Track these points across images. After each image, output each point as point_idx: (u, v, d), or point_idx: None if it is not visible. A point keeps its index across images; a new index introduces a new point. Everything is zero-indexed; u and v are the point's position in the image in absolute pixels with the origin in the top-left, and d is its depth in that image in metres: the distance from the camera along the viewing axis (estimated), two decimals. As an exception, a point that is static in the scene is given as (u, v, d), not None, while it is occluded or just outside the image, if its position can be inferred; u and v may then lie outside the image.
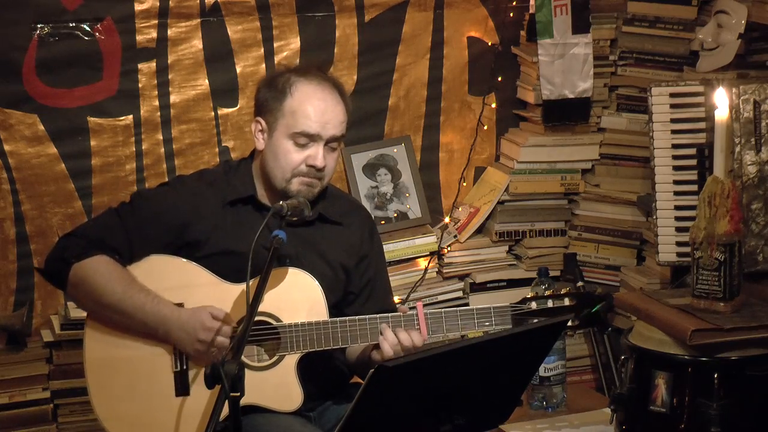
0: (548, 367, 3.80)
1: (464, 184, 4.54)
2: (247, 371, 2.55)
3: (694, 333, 3.15)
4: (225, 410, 2.47)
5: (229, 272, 3.03)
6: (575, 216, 4.50)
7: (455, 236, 4.44)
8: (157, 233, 3.08)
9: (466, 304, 4.29)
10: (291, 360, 3.01)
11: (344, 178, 4.37)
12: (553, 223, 4.49)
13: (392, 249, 4.26)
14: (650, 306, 3.38)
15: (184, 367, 3.01)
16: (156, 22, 4.09)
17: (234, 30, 4.20)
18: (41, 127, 4.03)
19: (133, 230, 3.07)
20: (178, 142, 4.19)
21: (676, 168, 3.78)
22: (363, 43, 4.35)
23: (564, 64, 4.33)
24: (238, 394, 2.47)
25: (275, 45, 4.25)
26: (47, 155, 4.05)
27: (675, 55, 4.37)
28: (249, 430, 2.86)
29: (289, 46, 4.26)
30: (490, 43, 4.50)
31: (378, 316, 3.04)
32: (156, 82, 4.13)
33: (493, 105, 4.54)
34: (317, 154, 3.06)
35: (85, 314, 3.11)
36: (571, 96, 4.36)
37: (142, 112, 4.14)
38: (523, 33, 4.48)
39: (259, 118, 3.13)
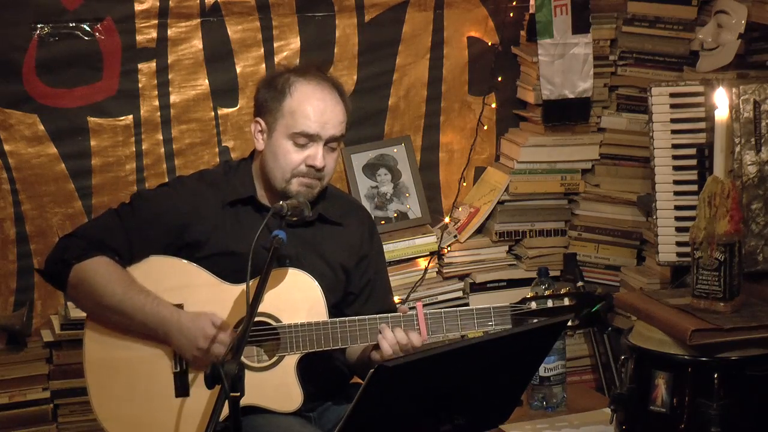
0: (548, 367, 3.79)
1: (464, 184, 4.54)
2: (246, 372, 2.55)
3: (694, 333, 3.14)
4: (225, 410, 2.47)
5: (229, 273, 3.03)
6: (575, 216, 4.50)
7: (455, 236, 4.44)
8: (157, 234, 3.08)
9: (466, 304, 4.29)
10: (291, 360, 3.00)
11: (344, 178, 4.37)
12: (553, 223, 4.49)
13: (392, 249, 4.26)
14: (650, 306, 3.38)
15: (184, 368, 3.01)
16: (156, 22, 4.09)
17: (234, 30, 4.20)
18: (41, 127, 4.03)
19: (133, 231, 3.07)
20: (178, 142, 4.19)
21: (676, 168, 3.77)
22: (363, 43, 4.35)
23: (564, 64, 4.33)
24: (238, 394, 2.47)
25: (275, 45, 4.25)
26: (47, 155, 4.05)
27: (675, 55, 4.37)
28: (249, 430, 2.86)
29: (289, 46, 4.26)
30: (490, 43, 4.50)
31: (378, 316, 3.04)
32: (156, 82, 4.13)
33: (493, 105, 4.54)
34: (317, 154, 3.06)
35: (84, 314, 3.11)
36: (571, 96, 4.36)
37: (142, 112, 4.14)
38: (523, 33, 4.49)
39: (259, 119, 3.13)
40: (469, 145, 4.53)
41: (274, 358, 3.01)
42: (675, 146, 3.77)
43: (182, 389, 3.01)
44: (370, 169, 4.41)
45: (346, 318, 3.04)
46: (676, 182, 3.78)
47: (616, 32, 4.41)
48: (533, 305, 3.11)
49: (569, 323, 3.10)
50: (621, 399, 3.30)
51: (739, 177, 3.52)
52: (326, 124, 3.07)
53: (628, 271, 4.39)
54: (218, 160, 4.20)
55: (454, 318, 3.07)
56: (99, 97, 4.08)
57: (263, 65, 4.23)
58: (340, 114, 3.10)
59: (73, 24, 4.01)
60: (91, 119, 4.08)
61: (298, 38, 4.27)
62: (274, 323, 3.01)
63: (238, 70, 4.22)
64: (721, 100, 3.31)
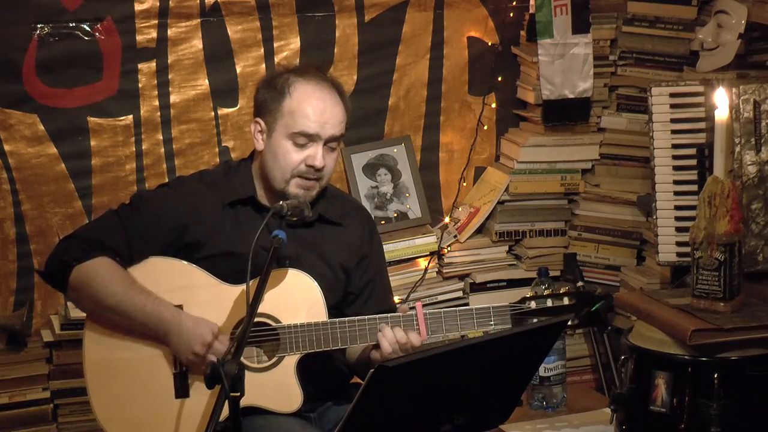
0: (548, 367, 3.80)
1: (464, 184, 4.54)
2: (246, 372, 2.55)
3: (694, 333, 3.14)
4: (225, 411, 2.47)
5: (229, 273, 3.03)
6: (575, 216, 4.50)
7: (455, 236, 4.44)
8: (157, 235, 3.07)
9: (466, 304, 4.29)
10: (290, 361, 3.00)
11: (344, 178, 4.37)
12: (553, 223, 4.49)
13: (392, 249, 4.26)
14: (650, 306, 3.38)
15: (184, 369, 3.01)
16: (156, 22, 4.09)
17: (234, 30, 4.20)
18: (41, 127, 4.03)
19: (133, 232, 3.07)
20: (178, 142, 4.19)
21: (676, 168, 3.77)
22: (363, 43, 4.35)
23: (564, 64, 4.33)
24: (238, 394, 2.47)
25: (275, 45, 4.25)
26: (47, 155, 4.05)
27: (675, 55, 4.37)
28: (249, 431, 2.86)
29: (289, 46, 4.26)
30: (490, 43, 4.50)
31: (377, 316, 3.04)
32: (156, 82, 4.13)
33: (493, 105, 4.54)
34: (316, 154, 3.06)
35: (84, 315, 3.11)
36: (571, 96, 4.36)
37: (142, 112, 4.14)
38: (523, 33, 4.49)
39: (258, 119, 3.13)
40: (469, 145, 4.53)
41: (274, 359, 3.01)
42: (675, 146, 3.77)
43: (182, 390, 3.01)
44: (370, 169, 4.41)
45: (346, 318, 3.04)
46: (676, 182, 3.78)
47: (616, 32, 4.41)
48: (533, 305, 3.11)
49: (569, 322, 3.10)
50: (621, 399, 3.30)
51: (739, 177, 3.52)
52: (326, 123, 3.07)
53: (628, 271, 4.39)
54: (218, 160, 4.20)
55: (453, 318, 3.07)
56: (99, 97, 4.08)
57: (263, 65, 4.23)
58: (339, 114, 3.11)
59: (73, 24, 4.01)
60: (91, 119, 4.08)
61: (298, 38, 4.27)
62: (273, 324, 3.01)
63: (238, 70, 4.22)
64: (721, 100, 3.31)
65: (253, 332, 2.95)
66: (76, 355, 3.79)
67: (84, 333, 3.06)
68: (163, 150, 4.17)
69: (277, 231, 2.88)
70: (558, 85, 4.34)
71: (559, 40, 4.32)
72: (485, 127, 4.55)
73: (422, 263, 4.38)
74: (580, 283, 3.24)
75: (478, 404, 2.65)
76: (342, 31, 4.32)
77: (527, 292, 3.20)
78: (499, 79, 4.52)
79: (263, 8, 4.21)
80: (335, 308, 3.12)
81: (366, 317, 3.03)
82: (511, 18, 4.48)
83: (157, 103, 4.14)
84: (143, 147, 4.15)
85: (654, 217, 3.81)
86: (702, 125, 3.72)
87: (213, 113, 4.22)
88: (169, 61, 4.13)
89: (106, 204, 3.98)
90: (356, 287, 3.21)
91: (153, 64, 4.12)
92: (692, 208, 3.43)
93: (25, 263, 4.06)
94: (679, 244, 3.75)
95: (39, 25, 3.97)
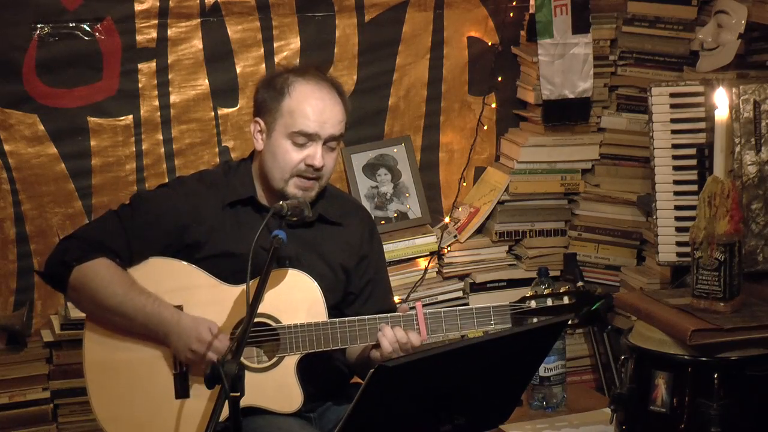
0: (548, 367, 3.80)
1: (464, 184, 4.54)
2: (246, 373, 2.55)
3: (694, 333, 3.14)
4: (225, 411, 2.47)
5: (229, 274, 3.03)
6: (575, 216, 4.50)
7: (455, 236, 4.44)
8: (157, 235, 3.07)
9: (466, 304, 4.29)
10: (291, 361, 3.00)
11: (344, 178, 4.37)
12: (553, 223, 4.49)
13: (392, 249, 4.26)
14: (650, 306, 3.38)
15: (184, 369, 3.01)
16: (156, 22, 4.09)
17: (234, 30, 4.20)
18: (41, 127, 4.03)
19: (133, 232, 3.07)
20: (178, 142, 4.19)
21: (676, 168, 3.77)
22: (363, 43, 4.35)
23: (564, 64, 4.33)
24: (238, 394, 2.47)
25: (275, 45, 4.25)
26: (47, 155, 4.05)
27: (675, 55, 4.37)
28: (249, 431, 2.86)
29: (289, 46, 4.26)
30: (490, 43, 4.50)
31: (377, 316, 3.04)
32: (156, 82, 4.13)
33: (493, 105, 4.54)
34: (316, 153, 3.06)
35: (84, 315, 3.11)
36: (571, 96, 4.36)
37: (142, 112, 4.14)
38: (523, 33, 4.49)
39: (258, 119, 3.13)
40: (469, 145, 4.53)
41: (274, 359, 3.01)
42: (675, 146, 3.77)
43: (182, 390, 3.01)
44: (370, 169, 4.41)
45: (346, 318, 3.04)
46: (676, 182, 3.78)
47: (616, 32, 4.41)
48: (533, 304, 3.11)
49: (569, 322, 3.10)
50: (621, 399, 3.30)
51: (739, 177, 3.52)
52: (325, 123, 3.07)
53: (628, 271, 4.39)
54: (218, 160, 4.20)
55: (453, 317, 3.07)
56: (99, 97, 4.08)
57: (263, 65, 4.23)
58: (338, 113, 3.11)
59: (73, 24, 4.01)
60: (91, 119, 4.08)
61: (298, 38, 4.27)
62: (273, 324, 3.01)
63: (238, 70, 4.22)
64: (721, 100, 3.31)
65: (253, 332, 2.95)
66: (76, 355, 3.79)
67: (84, 333, 3.06)
68: (163, 150, 4.17)
69: (277, 231, 2.88)
70: (558, 85, 4.34)
71: (559, 40, 4.32)
72: (485, 127, 4.55)
73: (422, 263, 4.38)
74: (580, 283, 3.24)
75: (478, 404, 2.65)
76: (342, 31, 4.32)
77: (527, 292, 3.20)
78: (499, 79, 4.52)
79: (263, 8, 4.20)
80: (335, 308, 3.12)
81: (366, 317, 3.03)
82: (511, 18, 4.48)
83: (157, 103, 4.14)
84: (143, 147, 4.15)
85: (654, 217, 3.81)
86: (702, 125, 3.72)
87: (213, 113, 4.22)
88: (169, 61, 4.13)
89: (106, 204, 3.98)
90: (356, 287, 3.21)
91: (153, 64, 4.12)
92: (692, 208, 3.43)
93: (25, 263, 4.06)
94: (679, 244, 3.75)
95: (39, 25, 3.97)
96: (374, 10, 4.34)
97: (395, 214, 4.41)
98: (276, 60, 4.23)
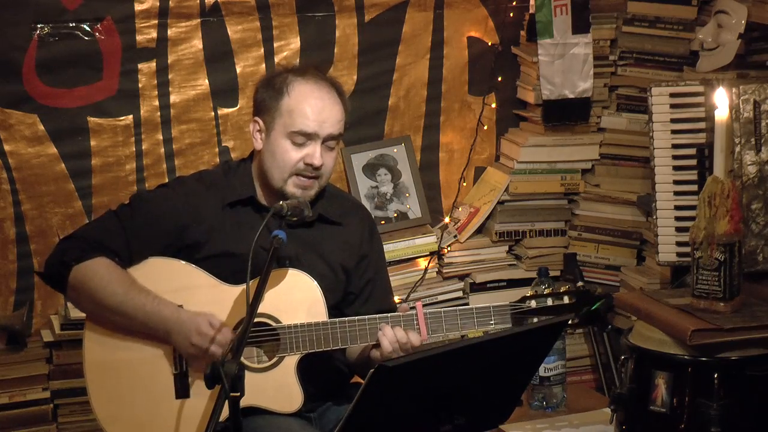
0: (548, 367, 3.80)
1: (464, 184, 4.54)
2: (247, 373, 2.55)
3: (694, 333, 3.14)
4: (225, 411, 2.47)
5: (229, 274, 3.03)
6: (575, 216, 4.50)
7: (455, 236, 4.44)
8: (156, 235, 3.07)
9: (466, 304, 4.28)
10: (291, 361, 3.00)
11: (344, 178, 4.37)
12: (553, 223, 4.49)
13: (392, 249, 4.26)
14: (650, 306, 3.38)
15: (184, 369, 3.01)
16: (156, 22, 4.09)
17: (234, 30, 4.20)
18: (41, 127, 4.03)
19: (132, 232, 3.07)
20: (178, 142, 4.19)
21: (676, 168, 3.77)
22: (363, 43, 4.35)
23: (564, 64, 4.33)
24: (238, 394, 2.47)
25: (275, 45, 4.25)
26: (47, 155, 4.05)
27: (675, 55, 4.37)
28: (249, 431, 2.86)
29: (289, 46, 4.26)
30: (490, 43, 4.50)
31: (378, 316, 3.04)
32: (156, 82, 4.13)
33: (493, 105, 4.54)
34: (315, 152, 3.06)
35: (84, 315, 3.11)
36: (571, 96, 4.36)
37: (142, 112, 4.14)
38: (523, 33, 4.49)
39: (257, 118, 3.14)
40: (469, 145, 4.53)
41: (274, 359, 3.01)
42: (675, 146, 3.77)
43: (182, 390, 3.01)
44: (370, 169, 4.41)
45: (346, 318, 3.04)
46: (676, 182, 3.77)
47: (616, 32, 4.41)
48: (533, 304, 3.11)
49: (569, 321, 3.10)
50: (621, 399, 3.30)
51: (739, 177, 3.52)
52: (324, 122, 3.07)
53: (628, 271, 4.39)
54: (218, 160, 4.20)
55: (454, 317, 3.07)
56: (99, 97, 4.08)
57: (263, 65, 4.23)
58: (338, 113, 3.11)
59: (73, 24, 4.01)
60: (91, 119, 4.08)
61: (298, 38, 4.27)
62: (273, 324, 3.01)
63: (238, 70, 4.22)
64: (721, 100, 3.31)
65: (254, 332, 2.95)
66: (76, 355, 3.79)
67: (84, 333, 3.06)
68: (163, 150, 4.17)
69: (277, 231, 2.88)
70: (558, 85, 4.34)
71: (559, 40, 4.32)
72: (485, 127, 4.55)
73: (422, 263, 4.38)
74: (580, 283, 3.24)
75: (478, 404, 2.65)
76: (342, 31, 4.32)
77: (527, 292, 3.20)
78: (499, 79, 4.52)
79: (263, 8, 4.20)
80: (335, 308, 3.12)
81: (366, 317, 3.03)
82: (511, 18, 4.48)
83: (157, 103, 4.14)
84: (143, 147, 4.15)
85: (654, 217, 3.81)
86: (702, 125, 3.71)
87: (213, 113, 4.22)
88: (169, 61, 4.13)
89: (106, 204, 3.98)
90: (356, 287, 3.21)
91: (153, 64, 4.12)
92: (692, 208, 3.43)
93: (25, 263, 4.06)
94: (679, 244, 3.74)
95: (39, 25, 3.97)
96: (374, 10, 4.34)
97: (395, 214, 4.41)
98: (276, 60, 4.23)
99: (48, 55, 3.99)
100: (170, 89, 4.15)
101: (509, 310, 3.09)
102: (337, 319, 3.03)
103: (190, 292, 3.02)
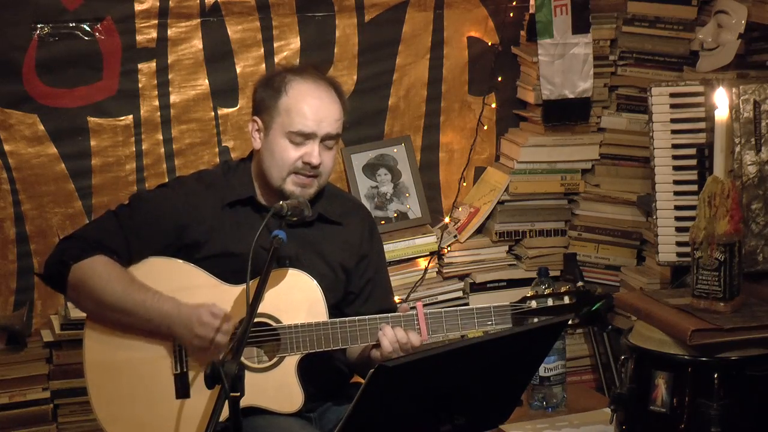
0: (548, 367, 3.80)
1: (464, 184, 4.54)
2: (247, 373, 2.55)
3: (694, 333, 3.14)
4: (225, 411, 2.47)
5: (229, 274, 3.03)
6: (575, 216, 4.50)
7: (455, 236, 4.44)
8: (155, 235, 3.07)
9: (466, 304, 4.29)
10: (291, 361, 3.00)
11: (344, 178, 4.37)
12: (553, 223, 4.49)
13: (392, 249, 4.26)
14: (650, 306, 3.38)
15: (185, 369, 3.01)
16: (156, 22, 4.09)
17: (234, 30, 4.20)
18: (41, 127, 4.03)
19: (131, 232, 3.07)
20: (178, 142, 4.19)
21: (676, 168, 3.77)
22: (363, 43, 4.35)
23: (564, 64, 4.33)
24: (238, 394, 2.47)
25: (275, 45, 4.25)
26: (47, 155, 4.05)
27: (675, 55, 4.37)
28: (249, 431, 2.86)
29: (289, 46, 4.26)
30: (490, 43, 4.50)
31: (378, 316, 3.04)
32: (156, 82, 4.13)
33: (493, 105, 4.54)
34: (313, 151, 3.06)
35: (84, 315, 3.11)
36: (571, 96, 4.36)
37: (142, 112, 4.14)
38: (523, 33, 4.48)
39: (256, 118, 3.14)
40: (469, 145, 4.53)
41: (275, 359, 3.01)
42: (675, 146, 3.77)
43: (183, 390, 3.01)
44: (370, 169, 4.41)
45: (347, 318, 3.04)
46: (676, 182, 3.77)
47: (616, 32, 4.41)
48: (533, 304, 3.11)
49: (569, 321, 3.10)
50: (621, 399, 3.30)
51: (739, 177, 3.52)
52: (322, 122, 3.07)
53: (628, 271, 4.39)
54: (218, 160, 4.20)
55: (454, 317, 3.07)
56: (99, 97, 4.08)
57: (263, 65, 4.23)
58: (335, 112, 3.10)
59: (73, 24, 4.01)
60: (91, 119, 4.08)
61: (298, 38, 4.27)
62: (274, 324, 3.01)
63: (238, 70, 4.22)
64: (721, 100, 3.31)
65: (254, 332, 2.95)
66: (76, 355, 3.78)
67: (84, 333, 3.06)
68: (163, 150, 4.17)
69: (277, 231, 2.88)
70: (558, 85, 4.34)
71: (559, 40, 4.32)
72: (485, 127, 4.55)
73: (422, 263, 4.38)
74: (580, 283, 3.24)
75: (478, 404, 2.65)
76: (342, 31, 4.32)
77: (527, 292, 3.20)
78: (499, 79, 4.52)
79: (263, 8, 4.20)
80: (335, 308, 3.12)
81: (366, 317, 3.03)
82: (511, 18, 4.48)
83: (157, 103, 4.14)
84: (143, 147, 4.15)
85: (654, 217, 3.81)
86: (702, 125, 3.71)
87: (213, 113, 4.22)
88: (169, 61, 4.13)
89: (106, 204, 3.98)
90: (356, 287, 3.21)
91: (153, 64, 4.12)
92: (692, 208, 3.43)
93: (25, 263, 4.06)
94: (679, 244, 3.75)
95: (39, 25, 3.97)
96: (374, 10, 4.34)
97: (395, 214, 4.41)
98: (276, 60, 4.23)
99: (48, 55, 3.99)
100: (170, 89, 4.15)
101: (510, 311, 3.09)
102: (337, 320, 3.03)
103: (190, 292, 3.01)
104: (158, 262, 3.06)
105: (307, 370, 3.02)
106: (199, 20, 4.14)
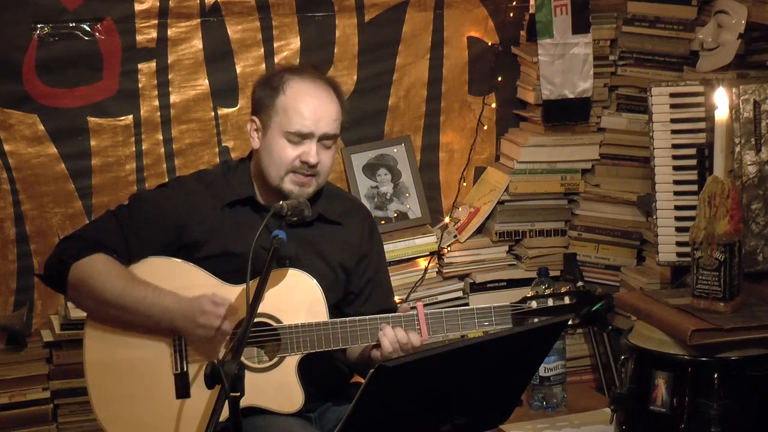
0: (548, 367, 3.80)
1: (464, 184, 4.54)
2: (247, 373, 2.55)
3: (694, 333, 3.14)
4: (225, 411, 2.47)
5: (229, 274, 3.03)
6: (575, 216, 4.50)
7: (455, 236, 4.44)
8: (155, 235, 3.07)
9: (466, 304, 4.29)
10: (291, 361, 3.00)
11: (344, 178, 4.37)
12: (553, 223, 4.49)
13: (392, 249, 4.26)
14: (650, 306, 3.38)
15: (185, 369, 3.01)
16: (156, 22, 4.09)
17: (234, 30, 4.20)
18: (41, 127, 4.03)
19: (131, 232, 3.07)
20: (178, 142, 4.19)
21: (676, 168, 3.77)
22: (363, 43, 4.35)
23: (564, 64, 4.33)
24: (238, 394, 2.47)
25: (275, 45, 4.25)
26: (47, 155, 4.05)
27: (675, 55, 4.37)
28: (250, 431, 2.86)
29: (289, 46, 4.26)
30: (490, 43, 4.50)
31: (378, 316, 3.04)
32: (156, 82, 4.13)
33: (493, 105, 4.54)
34: (310, 150, 3.06)
35: (85, 315, 3.11)
36: (571, 96, 4.36)
37: (142, 112, 4.14)
38: (523, 33, 4.49)
39: (255, 117, 3.14)
40: (469, 145, 4.53)
41: (275, 359, 3.01)
42: (675, 146, 3.77)
43: (183, 390, 3.01)
44: (370, 169, 4.41)
45: (347, 318, 3.03)
46: (676, 182, 3.77)
47: (616, 32, 4.41)
48: (534, 304, 3.11)
49: (570, 321, 3.10)
50: (621, 399, 3.30)
51: (739, 177, 3.53)
52: (320, 121, 3.06)
53: (628, 271, 4.39)
54: (218, 160, 4.20)
55: (454, 318, 3.07)
56: (99, 97, 4.08)
57: (263, 65, 4.23)
58: (333, 112, 3.10)
59: (73, 24, 4.01)
60: (91, 119, 4.08)
61: (298, 38, 4.27)
62: (274, 324, 3.01)
63: (238, 70, 4.22)
64: (721, 100, 3.31)
65: (254, 332, 2.95)
66: (76, 355, 3.79)
67: (84, 333, 3.06)
68: (163, 150, 4.17)
69: (276, 231, 2.88)
70: (558, 85, 4.34)
71: (559, 40, 4.32)
72: (485, 127, 4.55)
73: (422, 263, 4.38)
74: (580, 283, 3.24)
75: (478, 404, 2.65)
76: (342, 31, 4.32)
77: (527, 292, 3.20)
78: (499, 79, 4.52)
79: (263, 8, 4.20)
80: (335, 307, 3.12)
81: (367, 317, 3.03)
82: (511, 18, 4.48)
83: (157, 103, 4.14)
84: (143, 147, 4.15)
85: (654, 217, 3.81)
86: (702, 125, 3.71)
87: (213, 113, 4.22)
88: (169, 61, 4.13)
89: (106, 204, 3.98)
90: (356, 286, 3.21)
91: (153, 64, 4.12)
92: (692, 208, 3.43)
93: (25, 263, 4.06)
94: (679, 244, 3.75)
95: (39, 25, 3.97)
96: (374, 10, 4.34)
97: (395, 214, 4.41)
98: (276, 60, 4.23)
99: (48, 55, 3.99)
100: (170, 89, 4.15)
101: (510, 311, 3.09)
102: (337, 320, 3.02)
103: (189, 292, 3.01)
104: (158, 261, 3.06)
105: (307, 370, 3.02)
106: (199, 20, 4.14)
